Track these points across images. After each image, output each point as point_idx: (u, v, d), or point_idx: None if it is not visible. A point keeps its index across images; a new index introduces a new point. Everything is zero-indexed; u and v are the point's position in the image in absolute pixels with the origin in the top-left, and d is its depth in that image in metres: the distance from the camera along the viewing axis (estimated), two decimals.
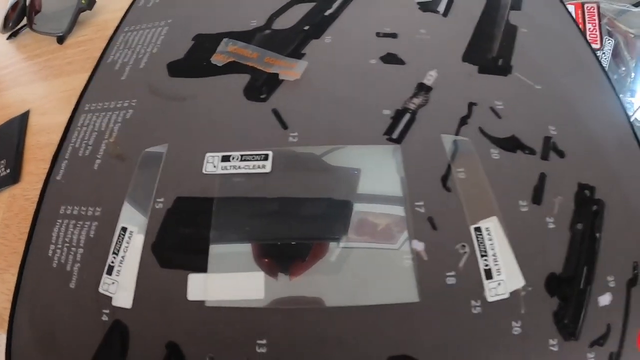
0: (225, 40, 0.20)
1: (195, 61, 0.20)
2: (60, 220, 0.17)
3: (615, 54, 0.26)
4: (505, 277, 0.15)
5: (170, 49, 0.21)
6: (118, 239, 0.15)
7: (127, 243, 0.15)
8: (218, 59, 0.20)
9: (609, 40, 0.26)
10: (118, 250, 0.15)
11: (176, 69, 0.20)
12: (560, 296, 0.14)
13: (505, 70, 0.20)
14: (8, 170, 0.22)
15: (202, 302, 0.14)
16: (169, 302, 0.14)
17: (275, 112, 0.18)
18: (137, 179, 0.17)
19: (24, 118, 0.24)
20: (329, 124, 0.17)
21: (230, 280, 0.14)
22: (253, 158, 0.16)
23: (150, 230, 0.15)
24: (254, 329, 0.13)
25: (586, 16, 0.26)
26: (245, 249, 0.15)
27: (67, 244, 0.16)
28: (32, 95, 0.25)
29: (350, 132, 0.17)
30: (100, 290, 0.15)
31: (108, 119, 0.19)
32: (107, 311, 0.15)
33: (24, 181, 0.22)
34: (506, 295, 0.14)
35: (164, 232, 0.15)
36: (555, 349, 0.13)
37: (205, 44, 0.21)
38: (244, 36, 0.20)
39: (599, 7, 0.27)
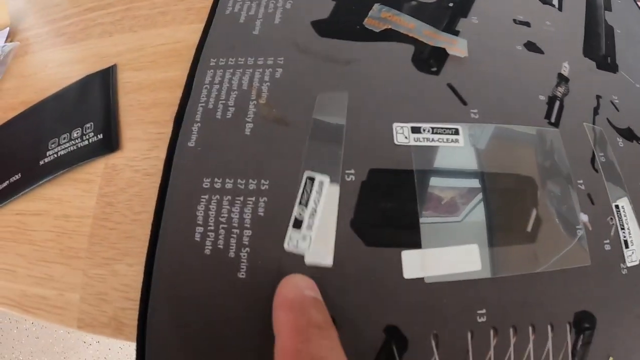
0: (377, 5, 0.16)
1: (346, 23, 0.15)
2: (206, 196, 0.12)
3: None
4: (636, 247, 0.15)
5: (307, 6, 0.16)
6: (304, 188, 0.12)
7: (318, 193, 0.12)
8: (373, 24, 0.15)
9: None
10: (307, 202, 0.12)
11: (325, 28, 0.15)
12: None
13: (614, 68, 0.19)
14: (100, 136, 0.15)
15: (420, 280, 0.11)
16: (381, 283, 0.11)
17: (451, 87, 0.15)
18: (313, 148, 0.12)
19: (110, 73, 0.16)
20: (500, 103, 0.14)
21: (446, 255, 0.11)
22: (444, 131, 0.13)
23: (344, 206, 0.12)
24: (474, 300, 0.11)
25: None
26: (455, 222, 0.12)
27: (224, 225, 0.12)
28: (114, 48, 0.18)
29: (517, 113, 0.15)
30: (287, 246, 0.11)
31: (249, 77, 0.14)
32: None
33: (127, 149, 0.15)
34: (637, 262, 0.15)
35: (364, 207, 0.12)
36: None
37: (352, 5, 0.16)
38: (392, 3, 0.17)
39: None
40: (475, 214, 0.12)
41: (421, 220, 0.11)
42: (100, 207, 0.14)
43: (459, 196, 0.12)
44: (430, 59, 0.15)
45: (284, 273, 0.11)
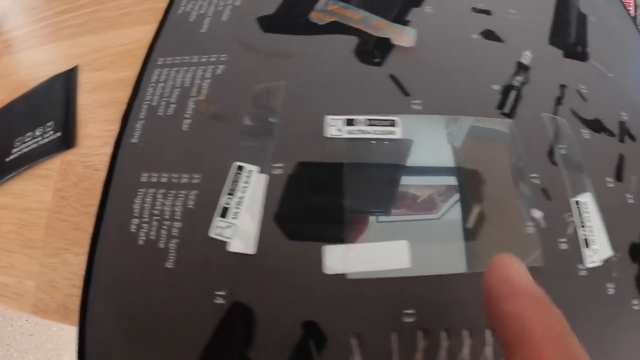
0: None
1: (291, 17, 0.16)
2: (143, 190, 0.13)
3: None
4: (598, 247, 0.14)
5: (255, 2, 0.16)
6: (234, 178, 0.12)
7: (246, 183, 0.12)
8: (318, 17, 0.16)
9: None
10: (234, 191, 0.12)
11: (270, 24, 0.16)
12: None
13: (584, 56, 0.18)
14: (59, 134, 0.16)
15: (341, 276, 0.11)
16: (301, 278, 0.11)
17: (394, 78, 0.14)
18: (245, 142, 0.13)
19: (71, 74, 0.18)
20: (447, 94, 0.14)
21: (372, 250, 0.11)
22: (380, 123, 0.13)
23: (270, 199, 0.12)
24: (401, 299, 0.11)
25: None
26: (385, 217, 0.12)
27: (157, 217, 0.12)
28: (79, 49, 0.19)
29: (466, 103, 0.15)
30: (212, 234, 0.12)
31: (192, 74, 0.15)
32: (222, 292, 0.11)
33: (82, 145, 0.16)
34: (599, 263, 0.14)
35: (288, 200, 0.12)
36: (637, 308, 0.13)
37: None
38: None
39: None
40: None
41: (347, 215, 0.11)
42: (55, 200, 0.15)
43: (390, 190, 0.12)
44: (375, 50, 0.15)
45: (208, 263, 0.11)
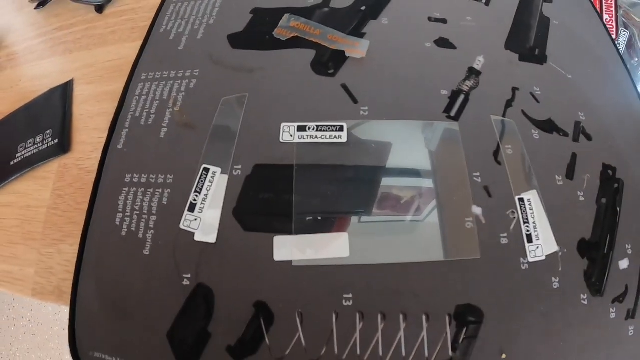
0: (287, 15, 0.19)
1: (258, 34, 0.18)
2: (126, 189, 0.16)
3: (629, 45, 0.25)
4: (542, 242, 0.15)
5: (227, 21, 0.19)
6: (200, 178, 0.15)
7: (210, 182, 0.14)
8: (281, 34, 0.18)
9: (624, 32, 0.25)
10: (200, 189, 0.14)
11: (238, 41, 0.18)
12: (589, 258, 0.15)
13: (541, 59, 0.20)
14: (56, 140, 0.19)
15: (289, 262, 0.14)
16: (254, 264, 0.14)
17: (345, 87, 0.17)
18: (210, 147, 0.16)
19: (68, 87, 0.21)
20: (394, 100, 0.16)
21: (316, 241, 0.14)
22: (329, 129, 0.15)
23: (230, 195, 0.15)
24: (340, 284, 0.13)
25: (604, 7, 0.25)
26: (328, 213, 0.14)
27: (137, 212, 0.15)
28: (73, 64, 0.22)
29: (413, 109, 0.17)
30: (182, 226, 0.14)
31: (170, 88, 0.18)
32: (188, 275, 0.14)
33: (76, 151, 0.19)
34: (543, 258, 0.15)
35: (245, 197, 0.14)
36: (585, 302, 0.14)
37: (265, 18, 0.19)
38: (304, 13, 0.19)
39: None
40: (352, 205, 0.14)
41: (295, 210, 0.13)
42: (53, 199, 0.18)
43: (334, 188, 0.14)
44: (330, 62, 0.17)
45: (178, 250, 0.14)
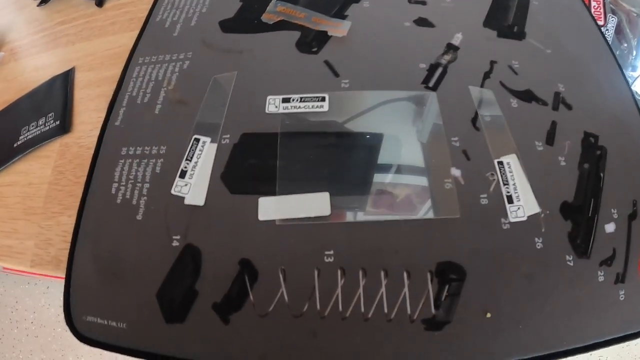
0: (274, 1, 0.20)
1: (247, 19, 0.20)
2: (122, 161, 0.17)
3: (618, 31, 0.26)
4: (523, 203, 0.16)
5: (219, 8, 0.21)
6: (191, 147, 0.16)
7: (200, 151, 0.16)
8: (268, 18, 0.20)
9: (612, 17, 0.26)
10: (191, 158, 0.16)
11: (228, 26, 0.20)
12: (573, 220, 0.16)
13: (520, 35, 0.21)
14: (58, 122, 0.21)
15: (272, 222, 0.14)
16: (239, 224, 0.14)
17: (327, 63, 0.18)
18: (201, 119, 0.17)
19: (69, 74, 0.23)
20: (374, 74, 0.18)
21: (298, 201, 0.15)
22: (311, 99, 0.17)
23: (218, 162, 0.16)
24: (322, 242, 0.14)
25: None
26: (310, 174, 0.15)
27: (132, 181, 0.16)
28: (75, 54, 0.24)
29: (392, 81, 0.18)
30: (173, 192, 0.15)
31: (164, 70, 0.19)
32: (177, 237, 0.15)
33: (76, 130, 0.21)
34: (524, 218, 0.15)
35: (232, 163, 0.15)
36: (570, 263, 0.15)
37: (254, 4, 0.21)
38: None
39: None
40: (331, 167, 0.15)
41: (279, 173, 0.14)
42: (54, 175, 0.19)
43: (315, 152, 0.15)
44: (313, 41, 0.19)
45: (168, 213, 0.15)
